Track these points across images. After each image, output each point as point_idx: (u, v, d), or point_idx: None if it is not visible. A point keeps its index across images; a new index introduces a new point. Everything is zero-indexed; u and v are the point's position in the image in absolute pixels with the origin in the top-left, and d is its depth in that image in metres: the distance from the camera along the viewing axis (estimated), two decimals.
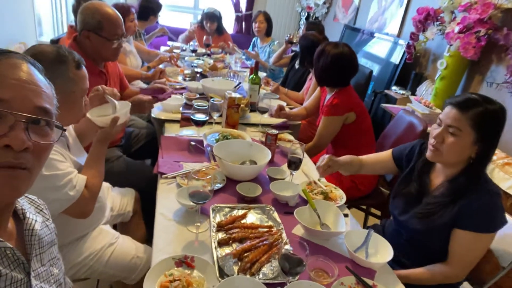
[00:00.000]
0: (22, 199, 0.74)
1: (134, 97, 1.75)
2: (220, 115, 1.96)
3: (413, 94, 2.96)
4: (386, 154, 1.50)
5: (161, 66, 3.02)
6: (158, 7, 3.52)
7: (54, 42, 2.53)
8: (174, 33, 4.41)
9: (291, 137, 2.00)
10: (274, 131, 1.69)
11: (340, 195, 1.46)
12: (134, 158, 2.10)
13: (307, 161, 1.71)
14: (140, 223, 1.72)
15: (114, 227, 1.65)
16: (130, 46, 2.80)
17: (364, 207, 2.32)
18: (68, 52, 1.16)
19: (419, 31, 2.79)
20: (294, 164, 1.44)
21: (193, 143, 1.64)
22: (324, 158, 1.42)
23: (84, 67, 1.21)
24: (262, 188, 1.40)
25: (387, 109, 2.80)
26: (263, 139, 1.88)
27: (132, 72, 2.58)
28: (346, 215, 1.34)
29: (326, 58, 1.94)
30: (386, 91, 3.10)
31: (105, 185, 1.63)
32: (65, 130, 0.65)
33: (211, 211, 1.23)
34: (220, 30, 4.24)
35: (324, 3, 5.11)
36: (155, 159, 1.98)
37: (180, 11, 5.61)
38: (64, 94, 1.14)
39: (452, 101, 1.16)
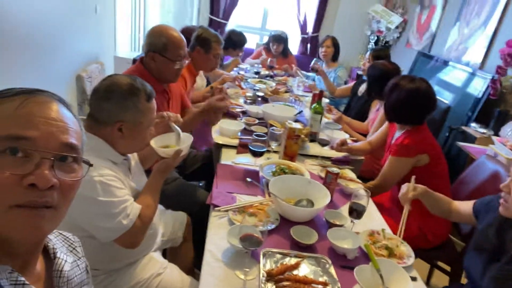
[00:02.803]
0: (56, 236, 0.73)
1: (204, 104, 1.75)
2: (279, 145, 1.89)
3: (496, 134, 2.63)
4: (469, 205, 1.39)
5: (224, 85, 3.07)
6: (241, 42, 3.57)
7: (135, 61, 2.69)
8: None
9: (352, 175, 1.86)
10: (335, 170, 1.57)
11: (408, 253, 1.28)
12: (190, 179, 2.10)
13: (372, 210, 1.56)
14: (190, 249, 1.70)
15: (164, 252, 1.64)
16: None
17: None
18: (141, 84, 1.19)
19: (507, 66, 2.49)
20: (356, 212, 1.31)
21: (249, 179, 1.58)
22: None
23: (154, 100, 1.23)
24: (318, 234, 1.29)
25: (464, 149, 2.51)
26: (322, 174, 1.77)
27: (195, 94, 2.64)
28: (414, 279, 1.18)
29: (399, 93, 1.78)
30: (463, 127, 2.81)
31: (159, 208, 1.63)
32: (91, 165, 0.65)
33: (261, 256, 1.15)
34: (285, 52, 4.23)
35: (397, 27, 4.87)
36: (210, 181, 1.96)
37: (247, 31, 5.71)
38: (132, 124, 1.17)
39: None
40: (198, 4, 5.34)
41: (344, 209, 1.51)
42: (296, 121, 2.32)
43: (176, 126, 1.38)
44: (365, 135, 2.54)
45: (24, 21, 2.51)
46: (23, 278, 0.56)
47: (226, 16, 5.35)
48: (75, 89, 2.79)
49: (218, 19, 5.30)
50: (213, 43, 2.35)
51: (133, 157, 1.38)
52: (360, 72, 3.68)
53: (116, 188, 1.12)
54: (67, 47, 3.16)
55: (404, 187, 1.45)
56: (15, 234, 0.55)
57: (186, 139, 1.38)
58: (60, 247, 0.71)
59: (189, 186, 1.92)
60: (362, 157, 2.15)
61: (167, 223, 1.60)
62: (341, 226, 1.37)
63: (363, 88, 3.01)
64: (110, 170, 1.13)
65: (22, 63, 2.56)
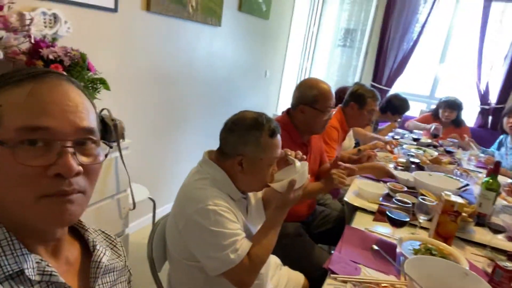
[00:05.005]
0: (98, 234, 0.74)
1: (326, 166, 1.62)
2: (429, 220, 1.53)
3: None
4: None
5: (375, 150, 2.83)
6: (402, 108, 3.37)
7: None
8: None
9: None
10: (511, 266, 1.12)
11: None
12: (317, 240, 1.92)
13: None
14: None
15: None
16: None
17: None
18: (266, 120, 1.17)
19: None
20: None
21: (375, 247, 1.30)
22: None
23: (278, 137, 1.19)
24: None
25: None
26: (489, 269, 1.31)
27: (340, 154, 2.52)
28: None
29: None
30: None
31: (275, 260, 1.52)
32: (111, 147, 0.63)
33: None
34: (458, 122, 3.69)
35: None
36: None
37: (413, 100, 5.32)
38: (252, 158, 1.15)
39: None
40: (361, 73, 5.37)
41: None
42: (459, 196, 1.88)
43: (292, 157, 1.27)
44: None
45: (208, 81, 3.18)
46: (50, 269, 0.56)
47: (389, 83, 5.15)
48: None
49: (381, 86, 5.16)
50: (368, 98, 2.35)
51: (254, 198, 1.35)
52: None
53: (228, 220, 1.09)
54: (237, 103, 3.71)
55: None
56: (47, 223, 0.56)
57: (300, 167, 1.22)
58: (101, 241, 0.72)
59: (314, 247, 1.74)
60: None
61: (281, 280, 1.46)
62: None
63: None
64: (226, 203, 1.11)
65: (203, 113, 3.24)
